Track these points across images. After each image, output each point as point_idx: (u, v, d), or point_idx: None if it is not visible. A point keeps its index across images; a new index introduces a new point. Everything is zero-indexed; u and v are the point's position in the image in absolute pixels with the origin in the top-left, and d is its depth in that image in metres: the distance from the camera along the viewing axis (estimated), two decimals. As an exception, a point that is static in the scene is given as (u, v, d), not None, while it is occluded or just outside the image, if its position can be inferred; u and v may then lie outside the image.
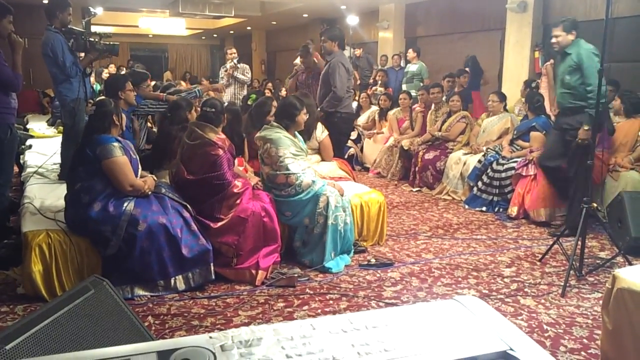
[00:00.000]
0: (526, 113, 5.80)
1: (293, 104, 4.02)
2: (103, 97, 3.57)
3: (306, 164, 3.97)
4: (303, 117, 4.01)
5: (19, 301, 3.17)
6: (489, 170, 5.55)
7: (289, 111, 3.98)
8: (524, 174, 5.18)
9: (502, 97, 6.25)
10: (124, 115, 3.50)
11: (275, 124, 3.97)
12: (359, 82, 10.13)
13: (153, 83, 6.81)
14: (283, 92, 9.23)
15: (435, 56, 9.70)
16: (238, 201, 3.57)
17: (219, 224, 3.52)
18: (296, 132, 4.06)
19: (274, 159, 3.83)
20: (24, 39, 3.97)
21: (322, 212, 3.78)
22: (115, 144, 3.27)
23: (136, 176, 3.37)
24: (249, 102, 5.96)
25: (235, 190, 3.58)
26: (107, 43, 4.68)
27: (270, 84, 12.32)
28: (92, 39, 4.55)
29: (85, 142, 3.35)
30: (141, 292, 3.27)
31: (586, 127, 4.12)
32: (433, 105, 6.95)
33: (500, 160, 5.51)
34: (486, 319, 1.04)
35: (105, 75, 8.93)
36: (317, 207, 3.77)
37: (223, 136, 3.68)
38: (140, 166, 3.50)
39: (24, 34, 4.37)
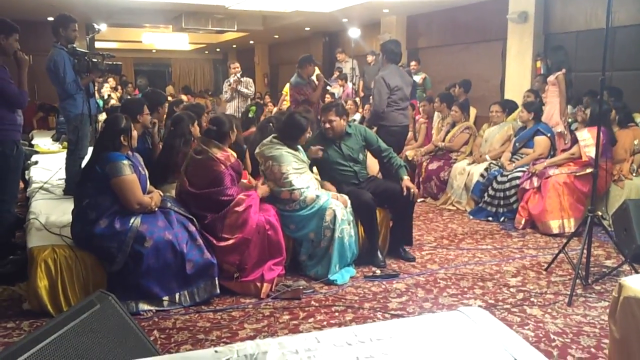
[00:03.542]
0: (524, 124, 5.76)
1: (300, 124, 3.95)
2: (115, 114, 3.58)
3: (309, 177, 3.97)
4: (307, 135, 4.01)
5: (25, 317, 3.17)
6: (493, 183, 5.54)
7: (295, 132, 3.94)
8: (527, 187, 5.17)
9: (505, 107, 6.27)
10: (135, 132, 3.50)
11: (275, 140, 3.95)
12: (362, 94, 10.16)
13: None
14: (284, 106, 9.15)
15: (437, 67, 9.73)
16: (241, 221, 3.52)
17: (222, 243, 3.49)
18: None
19: (277, 176, 3.83)
20: (28, 55, 4.01)
21: (329, 225, 3.78)
22: (125, 161, 3.27)
23: (144, 191, 3.38)
24: (250, 115, 5.95)
25: (237, 209, 3.53)
26: (110, 63, 4.72)
27: (267, 97, 12.37)
28: (95, 59, 4.59)
29: (94, 158, 3.34)
30: (146, 307, 3.26)
31: (406, 177, 4.34)
32: (436, 114, 6.98)
33: (504, 173, 5.50)
34: (491, 330, 1.04)
35: (105, 90, 8.82)
36: (323, 221, 3.77)
37: (228, 152, 3.67)
38: (148, 181, 3.51)
39: (29, 51, 4.41)
